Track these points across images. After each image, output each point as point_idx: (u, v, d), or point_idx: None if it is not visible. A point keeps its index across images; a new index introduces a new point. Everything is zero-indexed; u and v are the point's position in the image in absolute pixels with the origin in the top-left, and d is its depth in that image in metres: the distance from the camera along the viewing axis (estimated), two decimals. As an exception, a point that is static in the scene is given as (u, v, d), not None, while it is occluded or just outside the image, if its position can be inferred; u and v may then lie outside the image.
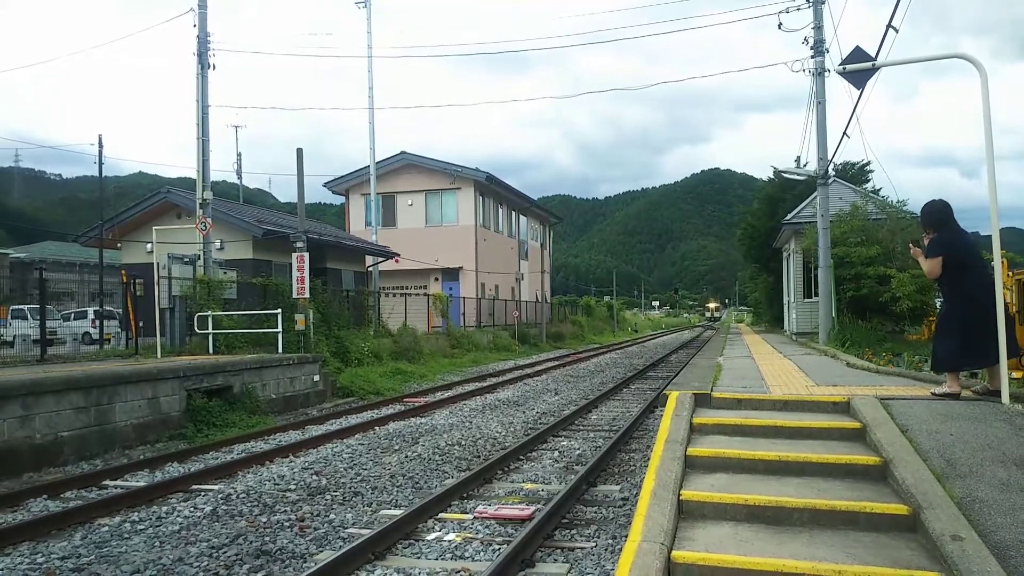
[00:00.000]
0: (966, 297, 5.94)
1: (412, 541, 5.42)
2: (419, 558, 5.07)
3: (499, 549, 5.10)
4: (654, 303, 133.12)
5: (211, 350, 14.15)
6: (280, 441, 9.83)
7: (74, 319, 27.90)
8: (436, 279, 32.89)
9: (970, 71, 5.99)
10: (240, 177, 37.65)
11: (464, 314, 29.72)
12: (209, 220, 16.50)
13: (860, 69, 8.32)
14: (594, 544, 5.23)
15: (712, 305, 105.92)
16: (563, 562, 4.93)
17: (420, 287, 30.84)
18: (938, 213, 6.09)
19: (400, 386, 16.58)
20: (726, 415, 6.24)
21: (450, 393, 14.97)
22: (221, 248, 19.84)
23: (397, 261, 28.43)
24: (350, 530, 5.74)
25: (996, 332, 5.59)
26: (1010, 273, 9.71)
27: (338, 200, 39.91)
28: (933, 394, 6.22)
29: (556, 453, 8.66)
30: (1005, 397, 5.74)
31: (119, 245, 23.69)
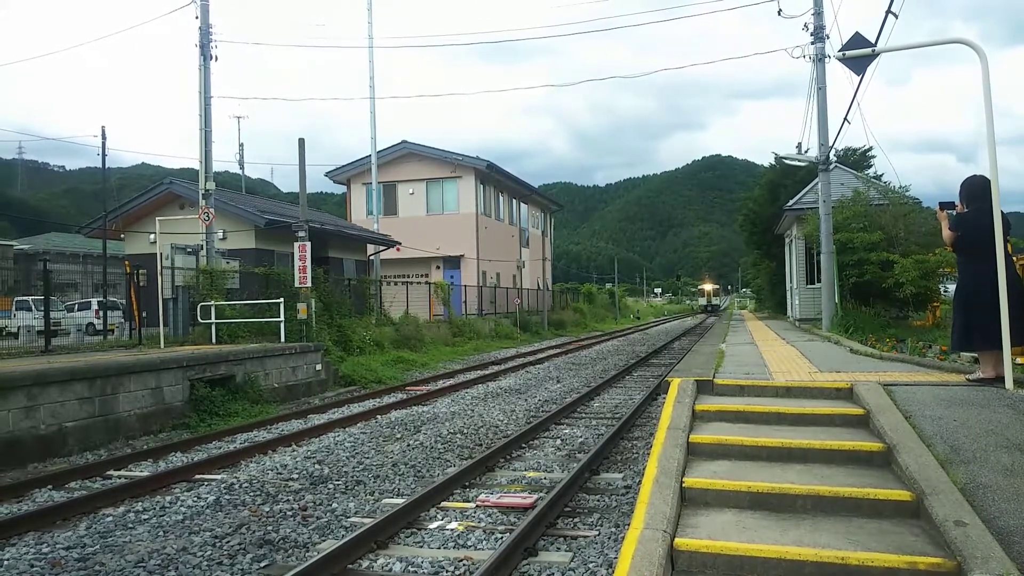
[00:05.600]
0: (973, 278, 5.96)
1: (415, 530, 5.43)
2: (421, 547, 5.08)
3: (502, 538, 5.10)
4: (656, 290, 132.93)
5: (214, 340, 14.17)
6: (283, 430, 9.85)
7: (78, 310, 27.90)
8: (437, 267, 32.88)
9: (965, 57, 5.94)
10: (242, 167, 37.64)
11: (465, 302, 29.72)
12: (212, 210, 16.50)
13: (860, 55, 8.26)
14: (597, 532, 5.23)
15: (708, 287, 76.16)
16: (566, 550, 4.94)
17: (422, 275, 30.83)
18: (973, 188, 6.11)
19: (402, 374, 16.60)
20: (728, 402, 6.23)
21: (452, 381, 14.98)
22: (224, 238, 19.85)
23: (398, 250, 28.41)
24: (352, 519, 5.75)
25: (999, 316, 5.56)
26: (1015, 258, 9.65)
27: (339, 189, 39.85)
28: (968, 380, 6.20)
29: (558, 441, 8.67)
30: (1009, 383, 5.71)
31: (122, 236, 23.71)
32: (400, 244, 28.25)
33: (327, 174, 35.51)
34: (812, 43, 15.84)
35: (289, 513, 5.94)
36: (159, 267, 14.52)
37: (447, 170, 33.54)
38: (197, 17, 17.01)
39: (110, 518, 5.92)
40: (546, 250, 45.72)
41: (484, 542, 5.11)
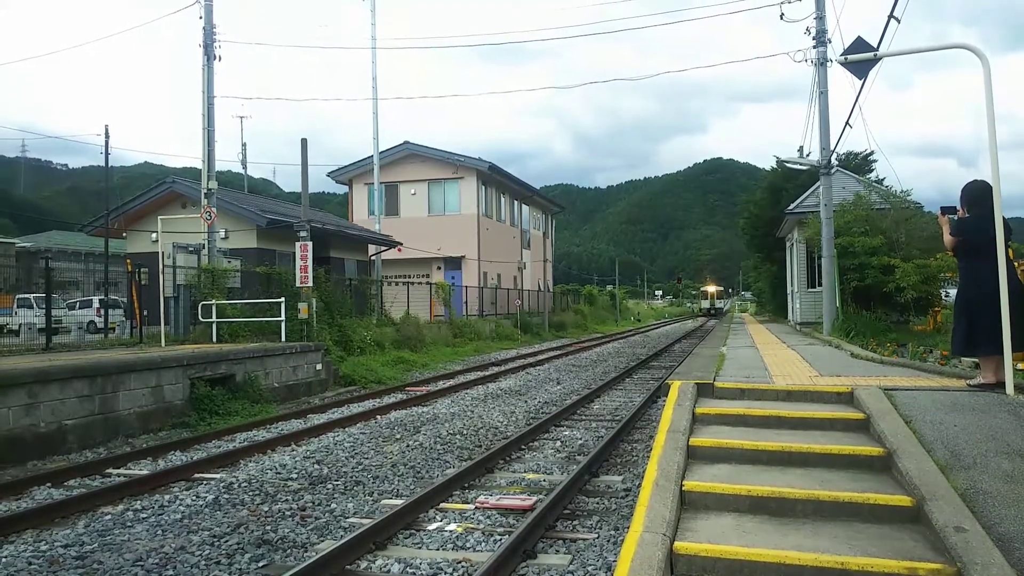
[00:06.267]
0: (974, 283, 5.97)
1: (413, 531, 5.42)
2: (420, 548, 5.08)
3: (501, 539, 5.09)
4: (657, 292, 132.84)
5: (214, 339, 14.17)
6: (282, 430, 9.85)
7: (79, 308, 27.91)
8: (439, 268, 32.89)
9: (965, 62, 5.97)
10: (245, 167, 37.77)
11: (466, 303, 29.71)
12: (214, 210, 16.51)
13: (862, 59, 8.29)
14: (596, 535, 5.22)
15: (711, 289, 75.04)
16: (565, 553, 4.93)
17: (423, 276, 30.83)
18: (974, 193, 6.12)
19: (402, 375, 16.59)
20: (729, 405, 6.23)
21: (452, 382, 14.97)
22: (225, 237, 19.88)
23: (400, 250, 28.41)
24: (351, 520, 5.75)
25: (1000, 321, 5.55)
26: (1016, 263, 9.65)
27: (341, 189, 39.90)
28: (969, 385, 6.19)
29: (558, 443, 8.66)
30: (1010, 388, 5.70)
31: (124, 234, 23.76)
32: (401, 244, 28.25)
33: (329, 174, 35.57)
34: (814, 47, 15.84)
35: (288, 513, 5.94)
36: (161, 266, 14.53)
37: (449, 171, 33.57)
38: (201, 17, 17.04)
39: (109, 516, 5.92)
40: (547, 251, 45.75)
41: (483, 544, 5.10)
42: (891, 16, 10.00)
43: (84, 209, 58.83)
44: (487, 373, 16.68)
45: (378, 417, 10.77)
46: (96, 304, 27.40)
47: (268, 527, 5.55)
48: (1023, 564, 3.10)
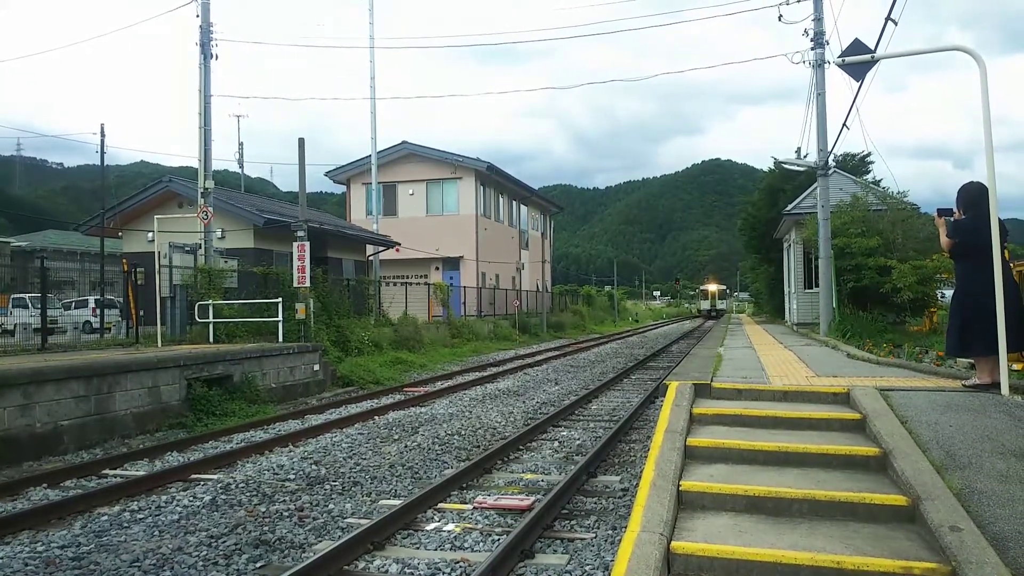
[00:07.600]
0: (970, 284, 6.00)
1: (411, 531, 5.42)
2: (418, 548, 5.08)
3: (499, 539, 5.10)
4: (655, 293, 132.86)
5: (211, 339, 14.15)
6: (280, 430, 9.84)
7: (75, 308, 27.83)
8: (437, 268, 32.88)
9: (961, 64, 6.00)
10: (241, 166, 37.64)
11: (465, 303, 29.71)
12: (211, 209, 16.49)
13: (859, 62, 8.31)
14: (594, 535, 5.23)
15: (712, 288, 71.04)
16: (563, 552, 4.94)
17: (421, 276, 30.82)
18: (970, 195, 6.16)
19: (400, 375, 16.59)
20: (726, 405, 6.24)
21: (450, 383, 14.97)
22: (222, 237, 19.85)
23: (398, 250, 28.40)
24: (349, 520, 5.75)
25: (995, 322, 5.58)
26: (1012, 264, 9.66)
27: (339, 189, 39.91)
28: (964, 386, 6.22)
29: (556, 443, 8.66)
30: (1004, 388, 5.73)
31: (120, 234, 23.70)
32: (399, 245, 28.24)
33: (327, 174, 35.54)
34: (812, 49, 15.89)
35: (285, 514, 5.94)
36: (157, 265, 14.51)
37: (447, 171, 33.58)
38: (198, 15, 17.03)
39: (105, 517, 5.91)
40: (546, 252, 45.78)
41: (481, 544, 5.10)
42: (888, 18, 10.03)
43: (80, 208, 58.77)
44: (485, 374, 16.69)
45: (376, 418, 10.77)
46: (92, 304, 27.33)
47: (266, 528, 5.55)
48: (1017, 563, 3.11)
